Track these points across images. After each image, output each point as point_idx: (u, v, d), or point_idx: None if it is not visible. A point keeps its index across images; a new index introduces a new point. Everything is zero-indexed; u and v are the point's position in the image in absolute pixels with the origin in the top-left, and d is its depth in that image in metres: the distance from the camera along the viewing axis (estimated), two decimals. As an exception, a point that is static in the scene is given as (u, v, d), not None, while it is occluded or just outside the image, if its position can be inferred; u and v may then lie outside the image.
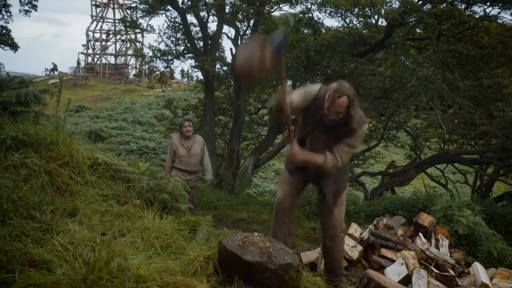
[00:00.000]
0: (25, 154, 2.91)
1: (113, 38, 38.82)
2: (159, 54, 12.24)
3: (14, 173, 2.73)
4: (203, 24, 11.65)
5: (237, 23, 11.69)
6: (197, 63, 11.09)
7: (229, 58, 12.19)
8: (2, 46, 12.83)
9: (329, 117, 2.91)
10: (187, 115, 7.34)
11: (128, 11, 35.89)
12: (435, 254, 3.91)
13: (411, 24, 9.61)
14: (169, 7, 11.76)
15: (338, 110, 2.89)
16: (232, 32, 12.14)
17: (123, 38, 38.56)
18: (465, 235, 4.57)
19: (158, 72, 13.26)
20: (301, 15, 11.78)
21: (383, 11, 10.09)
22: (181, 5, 11.40)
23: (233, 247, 2.33)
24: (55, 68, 35.75)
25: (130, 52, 39.51)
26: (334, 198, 3.16)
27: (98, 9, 40.13)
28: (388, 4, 10.39)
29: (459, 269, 3.93)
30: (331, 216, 3.21)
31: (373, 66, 9.62)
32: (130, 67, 39.42)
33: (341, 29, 10.65)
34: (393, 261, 3.74)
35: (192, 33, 12.11)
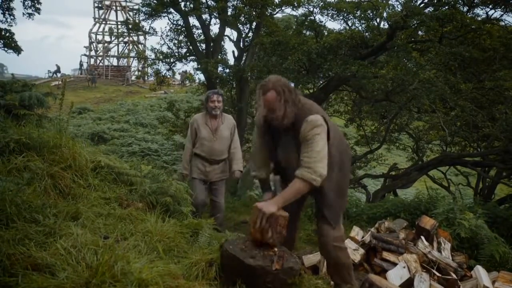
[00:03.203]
0: (28, 157, 2.92)
1: (116, 40, 38.97)
2: (161, 57, 12.26)
3: (17, 176, 2.75)
4: (205, 26, 11.67)
5: (239, 26, 11.71)
6: (199, 66, 11.11)
7: (231, 61, 12.23)
8: (6, 49, 12.88)
9: (270, 119, 2.70)
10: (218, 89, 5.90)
11: (131, 13, 36.05)
12: (437, 257, 3.91)
13: (413, 27, 9.61)
14: (171, 9, 11.78)
15: (269, 107, 2.68)
16: (234, 34, 12.15)
17: (125, 40, 38.71)
18: (467, 238, 4.56)
19: (160, 74, 13.24)
20: (303, 18, 11.80)
21: (385, 14, 10.08)
22: (183, 8, 11.43)
23: (235, 251, 2.33)
24: (58, 70, 35.92)
25: (132, 54, 39.71)
26: (332, 217, 2.90)
27: (101, 11, 40.34)
28: (391, 7, 10.39)
29: (461, 272, 3.93)
30: (321, 222, 2.95)
31: (375, 69, 9.61)
32: (132, 69, 39.57)
33: (343, 31, 10.65)
34: (395, 264, 3.75)
35: (195, 35, 12.13)
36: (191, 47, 12.11)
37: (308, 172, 2.58)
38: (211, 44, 11.81)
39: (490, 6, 9.35)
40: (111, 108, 25.86)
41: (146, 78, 34.83)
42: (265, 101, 2.69)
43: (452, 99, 9.71)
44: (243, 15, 10.91)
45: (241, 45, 11.84)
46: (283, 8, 11.72)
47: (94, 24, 40.35)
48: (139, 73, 36.12)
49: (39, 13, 13.20)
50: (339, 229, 2.99)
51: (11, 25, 12.84)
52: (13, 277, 1.85)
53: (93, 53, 41.07)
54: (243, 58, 11.83)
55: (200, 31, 12.12)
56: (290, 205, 3.09)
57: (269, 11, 11.40)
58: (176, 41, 12.50)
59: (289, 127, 2.74)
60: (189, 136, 4.89)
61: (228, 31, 12.17)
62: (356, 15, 10.52)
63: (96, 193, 3.05)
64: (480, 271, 3.85)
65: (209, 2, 11.23)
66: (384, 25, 10.42)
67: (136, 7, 31.22)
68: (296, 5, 11.25)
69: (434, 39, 9.44)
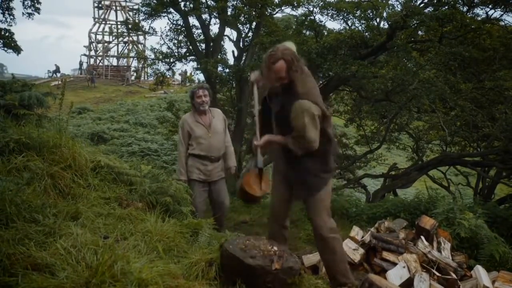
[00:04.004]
0: (28, 157, 2.92)
1: (115, 40, 39.00)
2: (161, 57, 12.26)
3: (17, 176, 2.75)
4: (205, 26, 11.66)
5: (239, 26, 11.70)
6: (199, 65, 11.11)
7: (231, 61, 12.23)
8: (5, 49, 12.88)
9: (273, 85, 2.79)
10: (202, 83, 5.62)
11: (131, 13, 36.08)
12: (437, 257, 3.91)
13: (413, 26, 9.61)
14: (171, 9, 11.78)
15: (277, 76, 2.73)
16: (234, 34, 12.15)
17: (125, 40, 38.72)
18: (467, 238, 4.56)
19: (160, 74, 13.25)
20: (303, 18, 11.80)
21: (385, 13, 10.09)
22: (183, 8, 11.43)
23: (235, 251, 2.33)
24: (57, 70, 35.93)
25: (132, 54, 39.72)
26: (308, 193, 3.01)
27: (101, 11, 40.36)
28: (390, 7, 10.40)
29: (461, 272, 3.93)
30: (313, 215, 3.04)
31: (375, 69, 9.61)
32: (132, 69, 39.58)
33: (343, 31, 10.65)
34: (395, 264, 3.74)
35: (194, 35, 12.13)
36: (190, 47, 12.11)
37: (295, 147, 2.87)
38: (211, 44, 11.80)
39: (490, 6, 9.36)
40: (111, 108, 25.88)
41: (143, 78, 34.88)
42: (274, 71, 2.72)
43: (452, 99, 9.71)
44: (243, 15, 10.91)
45: (241, 45, 11.84)
46: (282, 8, 11.72)
47: (94, 24, 40.39)
48: (136, 73, 36.23)
49: (38, 13, 13.22)
50: (332, 221, 3.05)
51: (11, 25, 12.87)
52: (13, 276, 1.85)
53: (92, 53, 41.10)
54: (243, 58, 11.83)
55: (200, 31, 12.12)
56: (278, 206, 3.18)
57: (269, 11, 11.40)
58: (176, 41, 12.51)
59: (286, 96, 2.83)
60: (181, 139, 4.63)
61: (228, 31, 12.18)
62: (356, 15, 10.52)
63: (96, 193, 3.05)
64: (480, 271, 3.85)
65: (209, 2, 11.23)
66: (384, 25, 10.44)
67: (136, 7, 31.25)
68: (296, 5, 11.25)
69: (434, 39, 9.44)
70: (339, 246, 3.05)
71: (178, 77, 32.65)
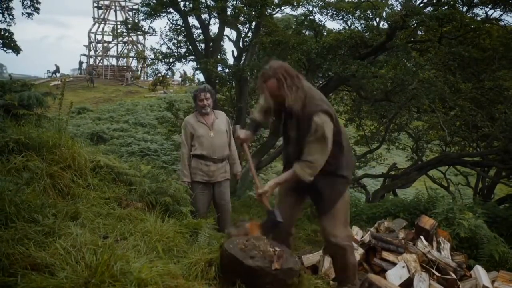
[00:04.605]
0: (27, 157, 2.92)
1: (115, 40, 38.98)
2: (160, 57, 12.25)
3: (17, 176, 2.75)
4: (204, 26, 11.65)
5: (239, 26, 11.70)
6: (199, 65, 11.10)
7: (231, 61, 12.23)
8: (5, 49, 12.86)
9: (273, 103, 2.77)
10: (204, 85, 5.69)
11: (130, 13, 36.05)
12: (436, 257, 3.91)
13: (412, 26, 9.62)
14: (170, 9, 11.77)
15: (270, 93, 2.72)
16: (233, 34, 12.14)
17: (125, 40, 38.70)
18: (466, 238, 4.56)
19: (160, 75, 13.24)
20: (303, 18, 11.80)
21: (384, 13, 10.09)
22: (182, 8, 11.42)
23: (235, 251, 2.33)
24: (57, 70, 35.92)
25: (132, 54, 39.70)
26: (329, 204, 2.92)
27: (100, 11, 40.34)
28: (390, 7, 10.41)
29: (461, 272, 3.93)
30: (325, 223, 2.94)
31: (375, 69, 9.61)
32: (131, 68, 39.55)
33: (342, 31, 10.66)
34: (394, 264, 3.74)
35: (194, 35, 12.12)
36: (190, 47, 12.10)
37: (305, 164, 2.71)
38: (211, 44, 11.79)
39: (490, 6, 9.37)
40: (111, 108, 25.86)
41: (143, 78, 34.88)
42: (267, 89, 2.72)
43: (452, 99, 9.71)
44: (242, 15, 10.89)
45: (241, 45, 11.84)
46: (282, 8, 11.72)
47: (94, 24, 40.37)
48: (133, 73, 36.24)
49: (38, 13, 13.19)
50: (349, 228, 3.01)
51: (10, 25, 12.83)
52: (12, 276, 1.85)
53: (92, 53, 41.09)
54: (243, 58, 11.83)
55: (199, 31, 12.10)
56: (286, 213, 3.07)
57: (269, 10, 11.39)
58: (175, 41, 12.49)
59: (294, 114, 2.77)
60: (184, 141, 4.56)
61: (227, 31, 12.17)
62: (356, 15, 10.53)
63: (96, 193, 3.05)
64: (479, 271, 3.85)
65: (208, 2, 11.21)
66: (383, 25, 10.46)
67: (136, 7, 31.23)
68: (295, 4, 11.25)
69: (434, 39, 9.45)
70: (352, 255, 2.99)
71: (179, 79, 32.69)
